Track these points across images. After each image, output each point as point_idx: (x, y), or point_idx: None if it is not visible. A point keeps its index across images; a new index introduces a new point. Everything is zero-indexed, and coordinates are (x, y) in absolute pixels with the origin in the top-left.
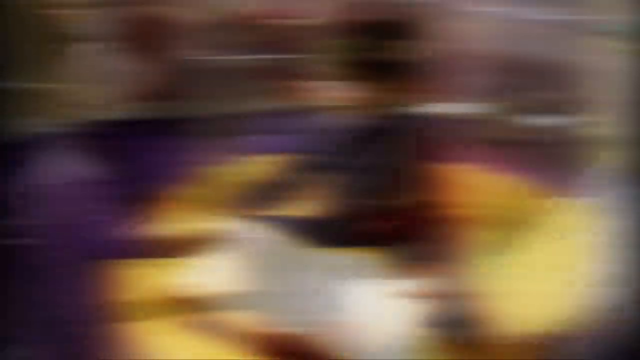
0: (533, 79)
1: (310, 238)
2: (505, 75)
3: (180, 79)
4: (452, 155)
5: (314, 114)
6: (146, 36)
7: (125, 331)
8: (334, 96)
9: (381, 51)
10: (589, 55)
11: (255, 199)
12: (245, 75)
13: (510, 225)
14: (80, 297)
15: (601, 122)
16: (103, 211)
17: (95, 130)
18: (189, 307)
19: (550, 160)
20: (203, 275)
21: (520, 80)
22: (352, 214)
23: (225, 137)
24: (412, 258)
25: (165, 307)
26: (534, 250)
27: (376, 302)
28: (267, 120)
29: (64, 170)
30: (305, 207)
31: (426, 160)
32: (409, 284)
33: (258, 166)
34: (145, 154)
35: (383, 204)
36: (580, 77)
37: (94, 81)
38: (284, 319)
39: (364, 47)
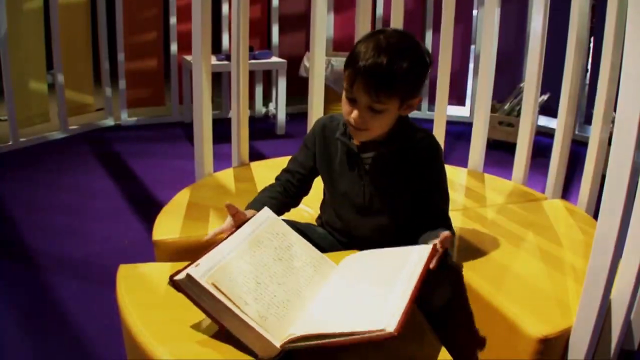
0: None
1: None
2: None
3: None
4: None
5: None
6: None
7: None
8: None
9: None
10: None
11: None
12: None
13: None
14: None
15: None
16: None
17: (101, 135)
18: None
19: (545, 160)
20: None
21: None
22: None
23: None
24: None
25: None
26: (533, 249)
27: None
28: (270, 125)
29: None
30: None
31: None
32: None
33: (261, 171)
34: (150, 158)
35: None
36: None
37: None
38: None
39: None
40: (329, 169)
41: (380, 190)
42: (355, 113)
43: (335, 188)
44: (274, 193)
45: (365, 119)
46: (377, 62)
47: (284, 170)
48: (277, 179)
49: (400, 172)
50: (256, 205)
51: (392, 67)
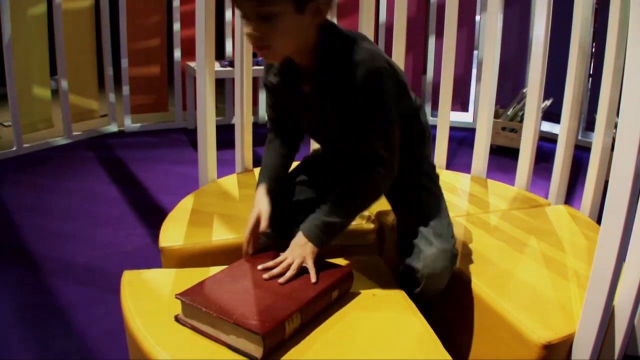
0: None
1: None
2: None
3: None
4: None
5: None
6: None
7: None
8: None
9: None
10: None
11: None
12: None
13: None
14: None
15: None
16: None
17: (105, 141)
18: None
19: (548, 166)
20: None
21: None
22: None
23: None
24: None
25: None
26: (536, 255)
27: None
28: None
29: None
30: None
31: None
32: None
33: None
34: (154, 164)
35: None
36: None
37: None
38: None
39: None
40: (290, 108)
41: (332, 124)
42: (249, 29)
43: (302, 125)
44: (275, 154)
45: (261, 32)
46: None
47: (269, 120)
48: (268, 130)
49: (344, 103)
50: (266, 178)
51: None
